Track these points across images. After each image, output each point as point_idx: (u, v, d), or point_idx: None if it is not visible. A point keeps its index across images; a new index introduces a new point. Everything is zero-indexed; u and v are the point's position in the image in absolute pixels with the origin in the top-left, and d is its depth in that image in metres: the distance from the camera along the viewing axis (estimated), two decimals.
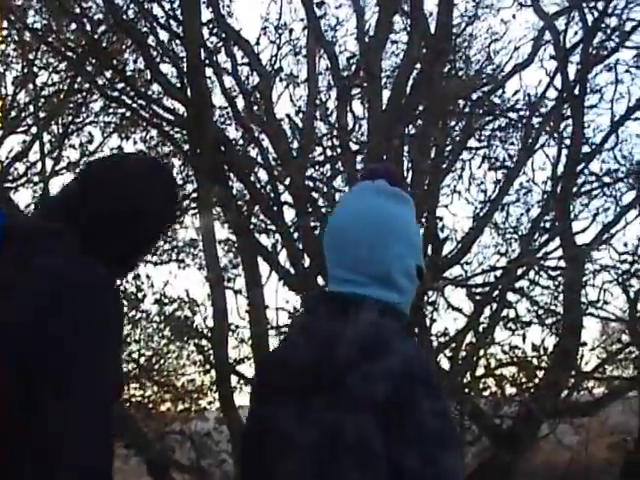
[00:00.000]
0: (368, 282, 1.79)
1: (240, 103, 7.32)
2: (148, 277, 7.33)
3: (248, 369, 7.17)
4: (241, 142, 7.51)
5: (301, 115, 7.35)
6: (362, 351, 1.68)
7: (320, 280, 7.06)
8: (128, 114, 8.18)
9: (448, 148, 7.93)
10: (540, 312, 7.87)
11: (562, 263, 7.93)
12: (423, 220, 7.65)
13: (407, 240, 1.84)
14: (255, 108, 7.33)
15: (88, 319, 1.57)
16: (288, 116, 7.45)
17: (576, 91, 8.08)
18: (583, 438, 9.32)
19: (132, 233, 1.86)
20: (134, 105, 7.43)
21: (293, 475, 1.72)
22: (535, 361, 7.59)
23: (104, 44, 7.56)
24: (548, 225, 8.22)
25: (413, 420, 1.62)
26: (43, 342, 1.51)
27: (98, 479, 1.51)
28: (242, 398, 8.09)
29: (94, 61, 7.51)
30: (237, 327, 6.83)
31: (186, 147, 7.45)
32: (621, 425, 10.30)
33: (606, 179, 8.60)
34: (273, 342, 6.73)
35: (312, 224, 6.80)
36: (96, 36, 7.38)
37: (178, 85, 6.98)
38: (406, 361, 1.66)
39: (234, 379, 7.17)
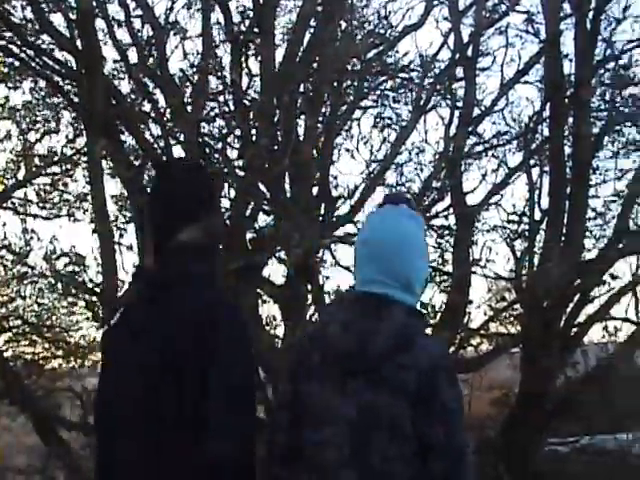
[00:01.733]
0: (395, 285, 2.25)
1: (133, 56, 7.18)
2: (34, 232, 7.16)
3: None
4: (133, 96, 7.37)
5: (195, 70, 7.25)
6: (395, 345, 2.13)
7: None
8: (17, 64, 7.91)
9: (343, 108, 7.99)
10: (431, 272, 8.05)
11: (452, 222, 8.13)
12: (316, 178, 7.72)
13: (425, 256, 2.39)
14: (148, 61, 7.20)
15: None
16: (182, 70, 7.36)
17: (469, 53, 8.20)
18: (467, 393, 9.60)
19: None
20: (22, 55, 7.19)
21: (330, 443, 2.15)
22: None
23: None
24: (439, 185, 8.37)
25: (439, 403, 2.09)
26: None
27: (242, 445, 2.10)
28: None
29: None
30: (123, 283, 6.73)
31: (76, 99, 7.27)
32: (509, 380, 10.66)
33: (496, 141, 8.81)
34: None
35: None
36: None
37: (68, 36, 6.79)
38: (431, 355, 2.13)
39: None
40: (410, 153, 8.59)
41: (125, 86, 7.57)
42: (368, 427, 2.10)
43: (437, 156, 8.42)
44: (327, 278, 7.94)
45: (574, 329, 7.98)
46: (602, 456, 8.54)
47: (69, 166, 9.55)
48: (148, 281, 2.42)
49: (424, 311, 2.27)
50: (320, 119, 7.55)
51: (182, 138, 6.78)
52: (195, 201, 2.47)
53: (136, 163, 7.02)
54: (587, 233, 8.51)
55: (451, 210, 8.05)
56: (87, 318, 8.78)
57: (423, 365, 2.10)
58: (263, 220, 7.28)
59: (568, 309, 7.90)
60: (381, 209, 2.45)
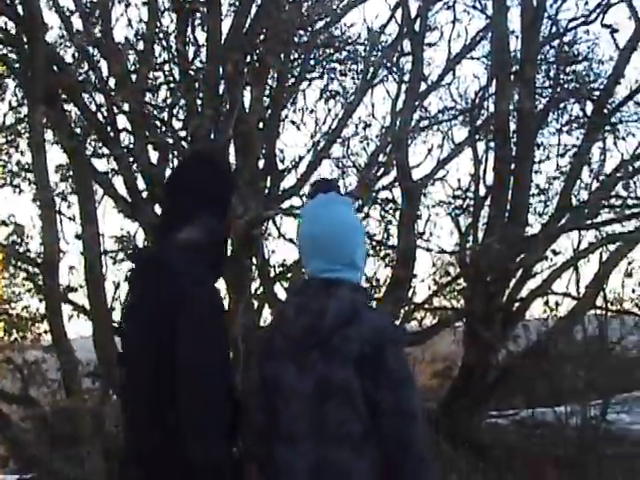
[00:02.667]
0: (341, 269, 2.49)
1: (76, 23, 7.04)
2: None
3: (82, 297, 7.08)
4: (76, 64, 7.23)
5: (139, 38, 7.15)
6: (343, 319, 2.36)
7: (157, 208, 6.99)
8: None
9: (291, 80, 7.95)
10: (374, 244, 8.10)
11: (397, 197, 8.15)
12: (263, 151, 7.69)
13: (360, 233, 2.62)
14: (92, 29, 7.06)
15: None
16: (126, 39, 7.25)
17: (416, 27, 8.19)
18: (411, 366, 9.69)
19: None
20: None
21: (296, 417, 2.39)
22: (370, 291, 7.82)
23: None
24: (385, 159, 8.38)
25: (385, 371, 2.31)
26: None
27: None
28: (75, 327, 7.98)
29: None
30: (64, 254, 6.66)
31: (18, 67, 7.12)
32: (452, 354, 10.81)
33: (442, 116, 8.86)
34: (106, 269, 6.65)
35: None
36: None
37: (8, 1, 6.63)
38: (376, 326, 2.36)
39: (67, 308, 7.09)
40: (357, 127, 8.59)
41: (68, 54, 7.43)
42: (324, 396, 2.35)
43: (383, 130, 8.43)
44: (272, 252, 7.97)
45: (516, 304, 8.10)
46: (540, 428, 8.70)
47: (13, 136, 9.35)
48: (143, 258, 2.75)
49: (367, 286, 2.60)
50: (267, 91, 7.51)
51: (126, 108, 6.69)
52: (200, 200, 2.64)
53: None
54: (530, 209, 8.63)
55: (397, 184, 8.07)
56: (29, 290, 8.68)
57: (368, 336, 2.33)
58: None
59: (511, 284, 8.01)
60: (314, 200, 2.64)
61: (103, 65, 6.95)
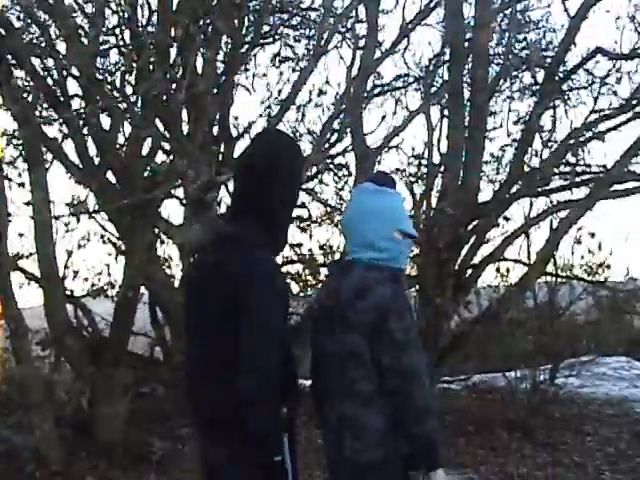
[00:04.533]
0: (357, 250, 2.95)
1: None
2: None
3: (32, 265, 6.99)
4: (24, 27, 7.09)
5: (89, 1, 7.01)
6: (354, 295, 2.84)
7: (110, 175, 6.92)
8: None
9: (245, 46, 7.88)
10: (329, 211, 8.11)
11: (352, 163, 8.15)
12: (217, 118, 7.63)
13: (381, 216, 2.94)
14: None
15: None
16: (77, 3, 7.11)
17: None
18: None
19: None
20: None
21: (331, 374, 2.91)
22: (321, 259, 7.85)
23: None
24: (339, 126, 8.38)
25: (387, 335, 2.76)
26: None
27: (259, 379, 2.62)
28: (26, 295, 7.88)
29: None
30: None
31: None
32: None
33: (396, 83, 8.86)
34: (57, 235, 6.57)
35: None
36: None
37: None
38: (383, 299, 2.79)
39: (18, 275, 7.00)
40: (310, 93, 8.56)
41: (15, 17, 7.27)
42: (343, 361, 2.84)
43: (338, 97, 8.42)
44: None
45: (469, 270, 8.17)
46: (492, 393, 8.82)
47: None
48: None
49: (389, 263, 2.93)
50: (220, 56, 7.46)
51: (76, 72, 6.59)
52: (257, 183, 2.83)
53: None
54: (483, 176, 8.69)
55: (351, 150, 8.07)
56: None
57: (375, 307, 2.78)
58: (162, 158, 7.20)
59: (463, 251, 8.07)
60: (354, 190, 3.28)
61: (52, 28, 6.84)
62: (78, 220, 6.51)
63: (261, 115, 7.78)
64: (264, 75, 8.40)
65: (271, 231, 2.83)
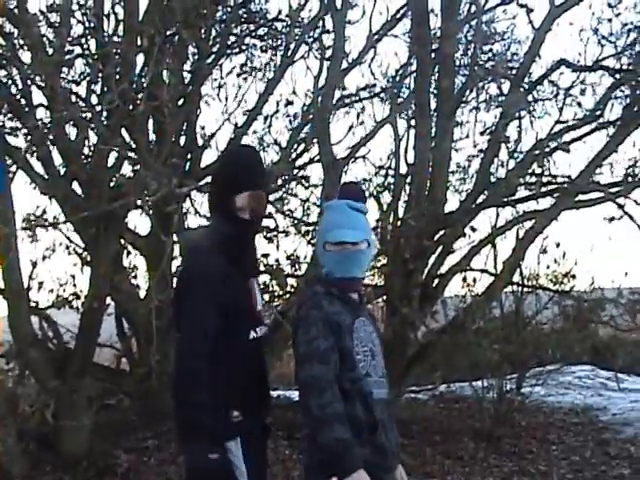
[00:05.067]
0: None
1: None
2: None
3: None
4: None
5: (54, 10, 6.96)
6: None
7: (75, 185, 6.88)
8: None
9: (211, 57, 7.86)
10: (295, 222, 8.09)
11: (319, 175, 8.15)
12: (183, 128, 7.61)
13: (317, 234, 3.21)
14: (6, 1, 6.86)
15: None
16: (41, 12, 7.06)
17: (338, 4, 8.17)
18: None
19: None
20: None
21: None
22: (288, 269, 7.83)
23: None
24: (306, 136, 8.39)
25: (296, 348, 2.97)
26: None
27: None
28: None
29: None
30: None
31: None
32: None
33: (363, 94, 8.88)
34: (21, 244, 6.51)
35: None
36: None
37: None
38: (298, 314, 3.04)
39: None
40: (277, 104, 8.56)
41: None
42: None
43: (305, 107, 8.43)
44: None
45: (435, 280, 8.19)
46: (458, 402, 8.86)
47: None
48: None
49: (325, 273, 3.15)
50: (187, 67, 7.44)
51: (41, 82, 6.54)
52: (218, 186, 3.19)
53: None
54: (449, 186, 8.72)
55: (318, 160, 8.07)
56: None
57: (293, 322, 3.08)
58: (128, 169, 7.16)
59: (430, 261, 8.09)
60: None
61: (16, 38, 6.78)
62: (34, 234, 6.44)
63: (224, 124, 7.74)
64: (221, 86, 8.38)
65: (218, 237, 3.04)
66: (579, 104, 8.50)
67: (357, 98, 9.09)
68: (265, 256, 6.87)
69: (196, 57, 7.50)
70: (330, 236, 3.07)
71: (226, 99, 8.34)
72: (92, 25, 6.90)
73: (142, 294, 7.46)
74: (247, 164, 3.17)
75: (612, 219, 7.51)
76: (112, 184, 6.57)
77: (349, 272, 3.07)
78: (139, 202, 6.02)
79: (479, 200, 8.02)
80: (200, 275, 2.97)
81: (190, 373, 2.82)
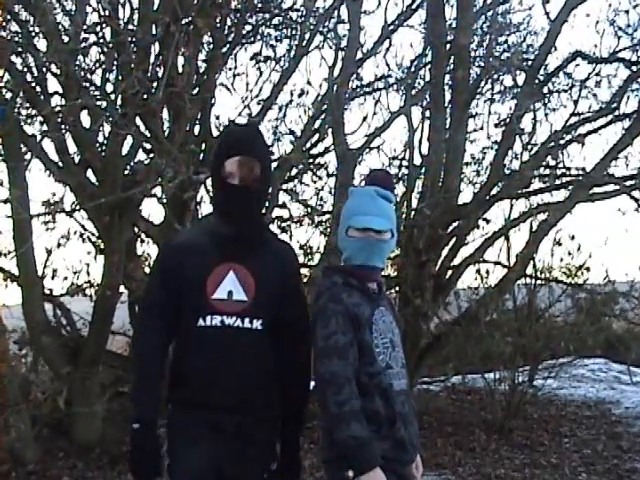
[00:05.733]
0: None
1: None
2: None
3: (9, 263, 6.95)
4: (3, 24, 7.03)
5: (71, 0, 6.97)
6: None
7: (89, 173, 6.89)
8: None
9: (226, 45, 7.84)
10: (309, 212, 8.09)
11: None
12: (198, 117, 7.60)
13: (340, 220, 3.09)
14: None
15: None
16: (58, 0, 7.06)
17: None
18: None
19: None
20: None
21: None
22: (301, 259, 7.83)
23: None
24: (320, 126, 8.37)
25: (315, 342, 2.92)
26: None
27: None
28: (4, 294, 7.81)
29: None
30: None
31: None
32: None
33: (378, 84, 8.86)
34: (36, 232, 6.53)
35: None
36: None
37: None
38: (317, 305, 2.94)
39: None
40: (292, 94, 8.53)
41: None
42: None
43: (320, 97, 8.41)
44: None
45: (449, 272, 8.19)
46: (470, 394, 8.86)
47: None
48: None
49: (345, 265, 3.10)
50: (202, 56, 7.43)
51: (57, 70, 6.54)
52: None
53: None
54: (463, 178, 8.70)
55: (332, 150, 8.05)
56: None
57: (313, 314, 2.96)
58: (143, 157, 7.17)
59: (444, 252, 8.09)
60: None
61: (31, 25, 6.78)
62: (54, 219, 6.44)
63: (240, 114, 7.72)
64: (239, 74, 8.35)
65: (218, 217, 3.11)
66: (595, 96, 8.48)
67: (372, 89, 9.05)
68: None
69: (211, 46, 7.48)
70: (355, 221, 2.97)
71: (247, 86, 8.27)
72: (107, 13, 6.90)
73: None
74: (240, 131, 3.22)
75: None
76: (126, 172, 6.59)
77: (370, 260, 2.97)
78: (156, 189, 6.03)
79: (493, 192, 8.01)
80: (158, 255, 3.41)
81: (137, 348, 3.13)
